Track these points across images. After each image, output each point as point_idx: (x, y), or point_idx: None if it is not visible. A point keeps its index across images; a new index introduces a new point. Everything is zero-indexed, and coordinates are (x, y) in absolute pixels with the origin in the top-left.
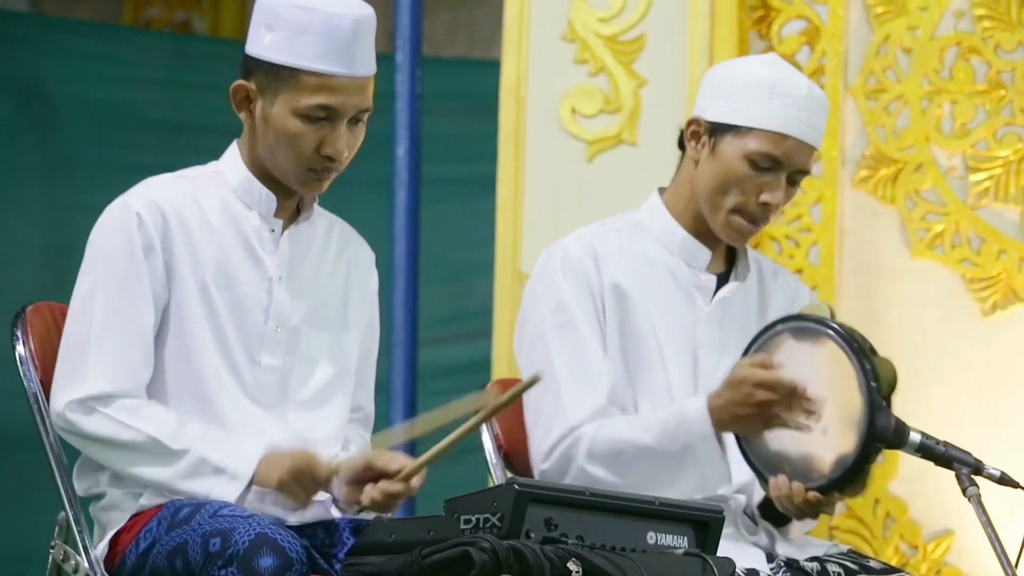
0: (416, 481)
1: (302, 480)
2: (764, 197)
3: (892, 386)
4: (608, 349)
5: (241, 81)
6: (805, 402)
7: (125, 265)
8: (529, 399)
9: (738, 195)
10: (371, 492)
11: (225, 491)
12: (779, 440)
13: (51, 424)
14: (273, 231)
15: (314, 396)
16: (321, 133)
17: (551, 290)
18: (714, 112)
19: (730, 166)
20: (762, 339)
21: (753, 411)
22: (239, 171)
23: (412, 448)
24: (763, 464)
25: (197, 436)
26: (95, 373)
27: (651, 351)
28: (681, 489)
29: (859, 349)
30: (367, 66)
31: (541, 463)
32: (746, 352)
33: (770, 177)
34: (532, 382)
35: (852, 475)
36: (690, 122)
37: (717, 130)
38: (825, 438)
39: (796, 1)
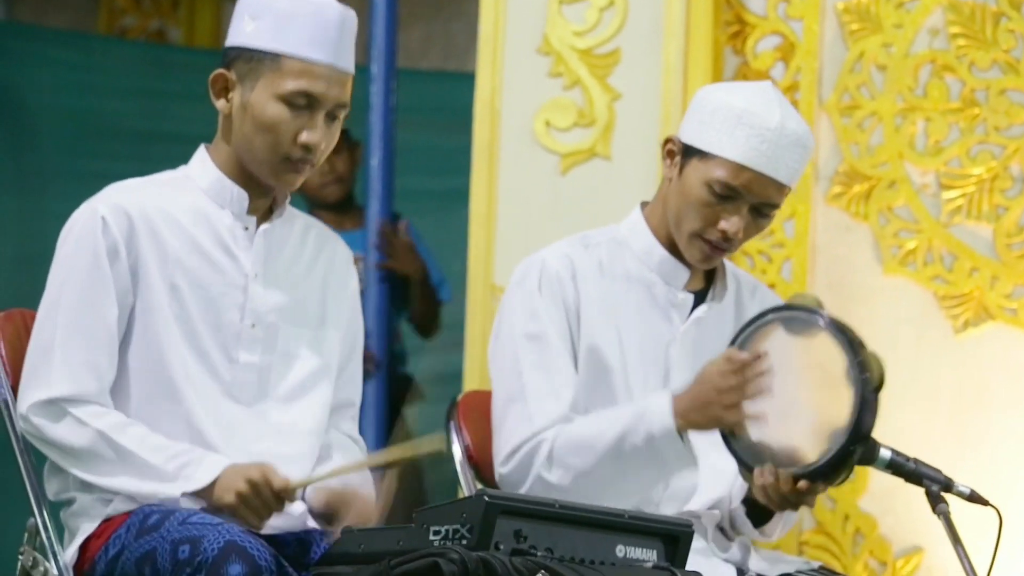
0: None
1: (260, 492)
2: (722, 225)
3: (881, 381)
4: (577, 364)
5: (221, 70)
6: (756, 370)
7: (90, 270)
8: (496, 405)
9: (697, 220)
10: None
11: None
12: (761, 431)
13: (21, 428)
14: (247, 229)
15: (292, 390)
16: (300, 121)
17: (526, 301)
18: (687, 134)
19: (691, 190)
20: (751, 328)
21: (717, 398)
22: (209, 172)
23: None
24: (747, 454)
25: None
26: (59, 376)
27: (619, 370)
28: (642, 482)
29: (851, 341)
30: (348, 62)
31: (501, 467)
32: (733, 341)
33: (730, 206)
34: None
35: (837, 464)
36: (666, 140)
37: (687, 152)
38: (810, 429)
39: (771, 17)
